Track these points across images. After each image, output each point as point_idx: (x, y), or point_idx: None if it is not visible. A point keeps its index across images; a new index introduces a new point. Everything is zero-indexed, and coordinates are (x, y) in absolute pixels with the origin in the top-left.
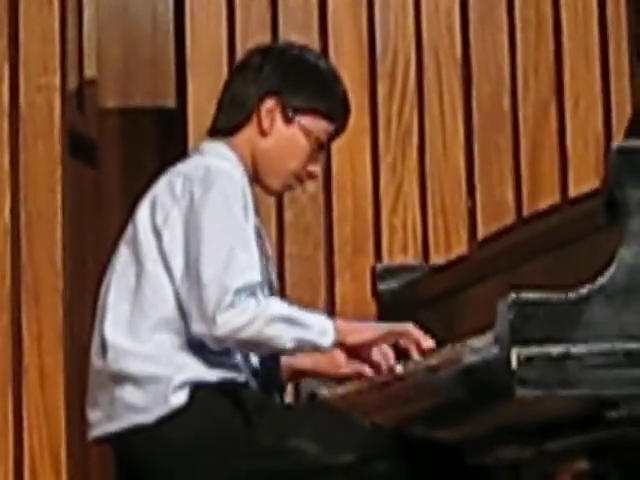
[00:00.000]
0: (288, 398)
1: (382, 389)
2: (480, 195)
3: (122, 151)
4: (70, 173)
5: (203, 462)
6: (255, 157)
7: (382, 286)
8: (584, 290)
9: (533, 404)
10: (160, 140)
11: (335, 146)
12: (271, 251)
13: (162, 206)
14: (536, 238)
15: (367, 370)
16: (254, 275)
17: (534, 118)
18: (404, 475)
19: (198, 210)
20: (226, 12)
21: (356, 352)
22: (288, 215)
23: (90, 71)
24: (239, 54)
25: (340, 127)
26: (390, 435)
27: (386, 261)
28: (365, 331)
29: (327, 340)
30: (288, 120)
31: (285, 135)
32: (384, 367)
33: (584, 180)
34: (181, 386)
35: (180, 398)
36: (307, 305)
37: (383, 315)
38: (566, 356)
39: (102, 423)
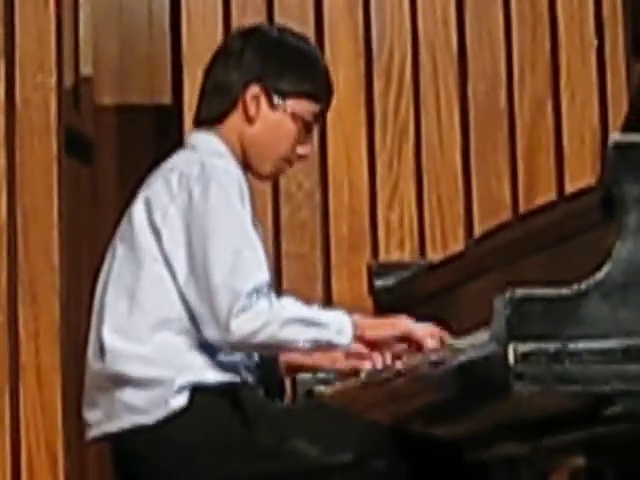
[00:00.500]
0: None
1: (379, 386)
2: (476, 191)
3: (118, 148)
4: (66, 171)
5: (203, 464)
6: (244, 144)
7: (378, 283)
8: (581, 286)
9: (530, 400)
10: (156, 137)
11: (331, 142)
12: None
13: (159, 203)
14: (533, 234)
15: (365, 364)
16: (263, 275)
17: (530, 114)
18: (403, 472)
19: (200, 212)
20: (222, 10)
21: (374, 345)
22: (284, 212)
23: (86, 69)
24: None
25: (325, 107)
26: (388, 433)
27: (382, 258)
28: (384, 326)
29: (344, 338)
30: (274, 105)
31: (272, 120)
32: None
33: (580, 176)
34: (182, 389)
35: (180, 401)
36: (303, 302)
37: (380, 312)
38: (563, 352)
39: (102, 423)
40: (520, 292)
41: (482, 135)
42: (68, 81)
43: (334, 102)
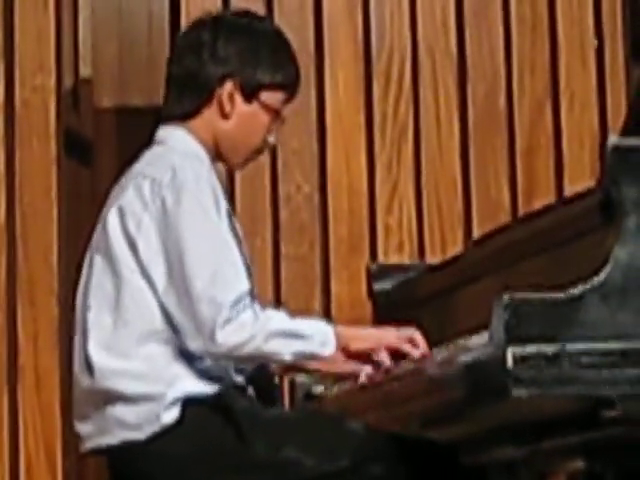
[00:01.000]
0: (284, 398)
1: (377, 389)
2: (475, 194)
3: (118, 150)
4: (66, 172)
5: (197, 478)
6: (217, 138)
7: (377, 286)
8: (580, 289)
9: (528, 403)
10: None
11: (330, 145)
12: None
13: (132, 213)
14: (532, 237)
15: (364, 372)
16: (243, 284)
17: (529, 117)
18: (401, 476)
19: (174, 221)
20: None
21: (358, 357)
22: (283, 214)
23: (85, 70)
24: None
25: (294, 93)
26: (384, 437)
27: (381, 260)
28: (369, 339)
29: (328, 350)
30: (249, 99)
31: (246, 114)
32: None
33: (579, 179)
34: (173, 403)
35: (172, 415)
36: (302, 305)
37: (379, 315)
38: (561, 355)
39: (94, 436)
40: (519, 295)
41: (481, 138)
42: (67, 82)
43: (333, 104)
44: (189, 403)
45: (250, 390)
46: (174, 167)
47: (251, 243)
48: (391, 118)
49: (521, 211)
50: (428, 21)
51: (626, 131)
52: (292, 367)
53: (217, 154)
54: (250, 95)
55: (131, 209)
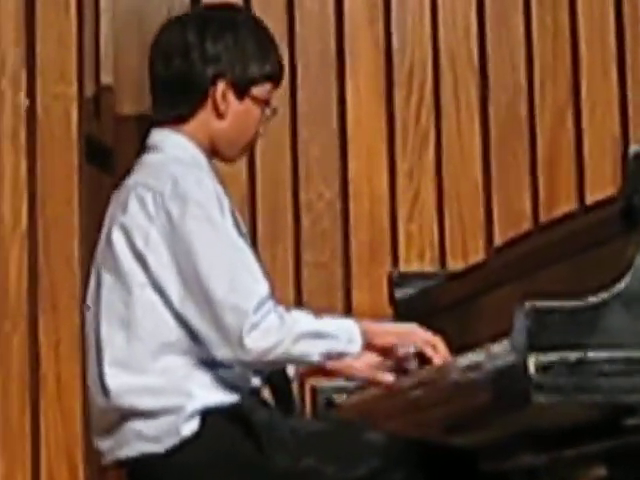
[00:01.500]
0: (305, 406)
1: (399, 395)
2: (497, 202)
3: (139, 157)
4: (87, 180)
5: None
6: (213, 138)
7: (399, 293)
8: (601, 297)
9: (550, 410)
10: None
11: (352, 152)
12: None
13: (138, 227)
14: (553, 245)
15: (385, 378)
16: (262, 287)
17: (551, 125)
18: None
19: (182, 233)
20: None
21: (382, 352)
22: (305, 222)
23: (107, 78)
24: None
25: (280, 80)
26: (404, 444)
27: (403, 268)
28: (393, 334)
29: (355, 347)
30: (241, 96)
31: (240, 111)
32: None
33: (601, 187)
34: (192, 415)
35: (192, 427)
36: (324, 312)
37: (400, 322)
38: (583, 362)
39: (114, 450)
40: (540, 303)
41: (503, 145)
42: (89, 90)
43: (355, 112)
44: (208, 414)
45: (266, 391)
46: (174, 177)
47: (272, 251)
48: (412, 126)
49: (542, 219)
50: (450, 29)
51: None
52: (315, 371)
53: (213, 152)
54: (242, 92)
55: (137, 223)
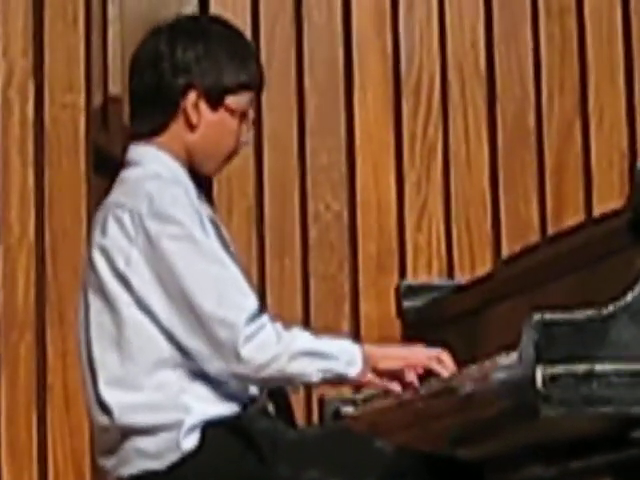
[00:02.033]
0: (313, 416)
1: (406, 407)
2: (504, 213)
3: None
4: (95, 190)
5: None
6: (188, 151)
7: (406, 304)
8: (609, 309)
9: (558, 423)
10: None
11: (359, 163)
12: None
13: (119, 249)
14: (561, 256)
15: (395, 387)
16: (250, 300)
17: (559, 136)
18: None
19: (162, 251)
20: (251, 28)
21: (387, 376)
22: (312, 233)
23: (114, 88)
24: (264, 70)
25: (260, 90)
26: (409, 456)
27: (410, 279)
28: (398, 358)
29: (354, 370)
30: (214, 107)
31: (214, 122)
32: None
33: (609, 198)
34: (192, 429)
35: (192, 441)
36: (331, 324)
37: (407, 334)
38: (591, 375)
39: (117, 468)
40: (548, 315)
41: (510, 156)
42: (97, 101)
43: (362, 123)
44: (208, 427)
45: (264, 397)
46: (150, 195)
47: (280, 262)
48: (420, 136)
49: (550, 230)
50: (457, 40)
51: None
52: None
53: (191, 166)
54: (215, 102)
55: (117, 245)
